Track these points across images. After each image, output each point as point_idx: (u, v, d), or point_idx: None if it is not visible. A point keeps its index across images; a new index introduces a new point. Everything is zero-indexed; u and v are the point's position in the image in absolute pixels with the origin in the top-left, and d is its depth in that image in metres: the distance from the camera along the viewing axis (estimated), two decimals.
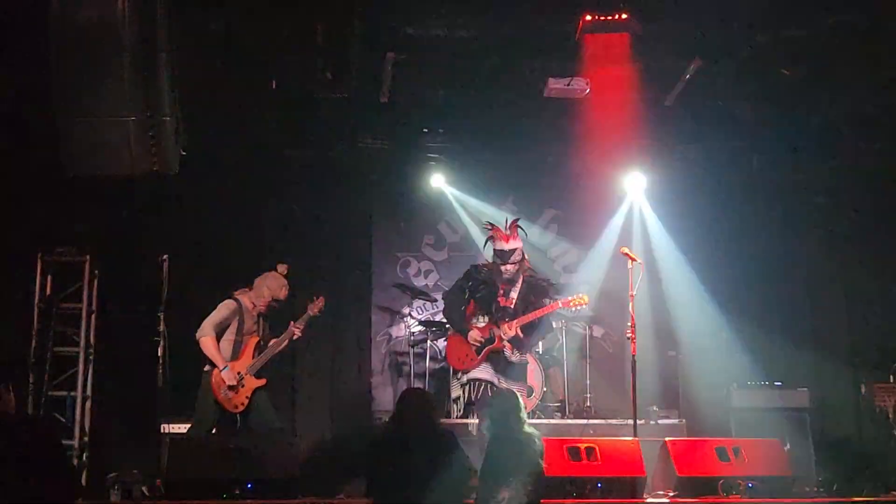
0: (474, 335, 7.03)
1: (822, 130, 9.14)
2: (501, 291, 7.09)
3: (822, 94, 8.50)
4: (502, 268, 7.04)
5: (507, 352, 7.05)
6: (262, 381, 7.16)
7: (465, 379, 7.11)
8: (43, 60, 5.99)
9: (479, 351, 7.05)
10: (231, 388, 7.03)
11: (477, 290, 7.14)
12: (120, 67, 5.93)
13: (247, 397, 7.08)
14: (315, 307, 7.39)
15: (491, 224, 7.30)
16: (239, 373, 7.09)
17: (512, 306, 7.06)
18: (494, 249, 7.11)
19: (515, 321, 6.96)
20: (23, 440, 3.80)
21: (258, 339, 7.30)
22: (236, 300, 7.30)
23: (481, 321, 7.10)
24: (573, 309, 7.39)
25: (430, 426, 5.16)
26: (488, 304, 7.09)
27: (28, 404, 7.66)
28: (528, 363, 7.28)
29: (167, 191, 8.43)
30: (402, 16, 7.41)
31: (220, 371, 7.03)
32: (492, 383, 6.96)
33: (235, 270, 8.55)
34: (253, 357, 7.21)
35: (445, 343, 7.64)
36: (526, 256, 7.24)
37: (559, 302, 7.13)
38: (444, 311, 7.54)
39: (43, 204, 7.96)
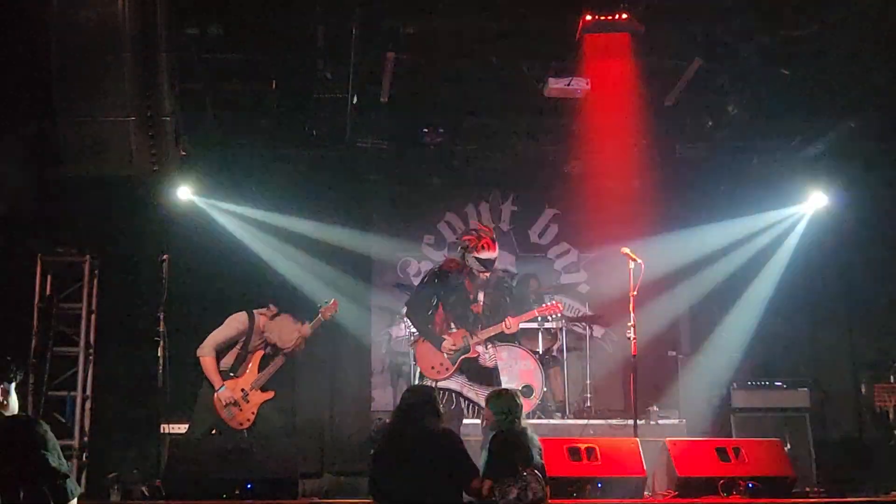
0: (447, 344, 6.90)
1: (822, 129, 9.15)
2: (472, 297, 7.02)
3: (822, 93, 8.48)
4: (482, 275, 6.98)
5: (481, 360, 6.93)
6: (270, 394, 7.17)
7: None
8: (43, 60, 5.99)
9: (453, 360, 6.92)
10: (233, 404, 7.03)
11: (448, 297, 7.00)
12: (120, 67, 5.93)
13: (253, 413, 7.08)
14: (328, 311, 7.36)
15: (476, 232, 7.17)
16: (243, 389, 7.08)
17: (481, 311, 7.01)
18: (478, 258, 6.93)
19: (516, 318, 6.94)
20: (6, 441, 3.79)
21: (263, 352, 7.28)
22: (250, 315, 7.24)
23: (453, 328, 6.99)
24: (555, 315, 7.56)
25: (432, 424, 5.15)
26: (461, 310, 7.00)
27: (28, 404, 7.66)
28: (497, 366, 7.06)
29: (167, 191, 8.45)
30: (402, 15, 7.41)
31: (217, 391, 7.05)
32: (460, 393, 6.87)
33: (235, 270, 8.59)
34: (258, 371, 7.19)
35: (415, 349, 7.30)
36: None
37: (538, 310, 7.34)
38: (410, 318, 7.38)
39: (43, 204, 7.95)
